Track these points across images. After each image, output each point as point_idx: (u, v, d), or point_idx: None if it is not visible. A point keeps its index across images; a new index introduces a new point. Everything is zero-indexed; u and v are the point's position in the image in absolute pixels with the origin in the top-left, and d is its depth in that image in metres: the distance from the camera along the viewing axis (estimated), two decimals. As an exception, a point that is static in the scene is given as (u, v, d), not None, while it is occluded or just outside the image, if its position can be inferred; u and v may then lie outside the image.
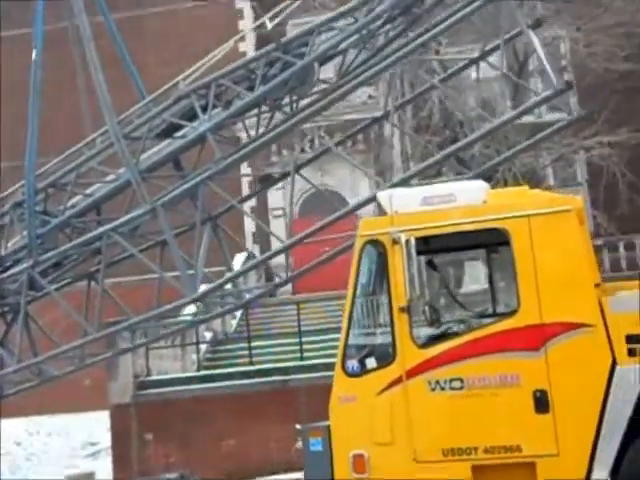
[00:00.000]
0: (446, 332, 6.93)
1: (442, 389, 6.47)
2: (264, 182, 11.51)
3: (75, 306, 10.34)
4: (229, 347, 19.68)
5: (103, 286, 9.91)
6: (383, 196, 7.18)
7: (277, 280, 10.04)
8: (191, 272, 9.49)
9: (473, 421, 6.37)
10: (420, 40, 9.10)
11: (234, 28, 24.06)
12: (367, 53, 9.65)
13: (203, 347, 18.90)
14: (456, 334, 6.82)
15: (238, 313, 21.56)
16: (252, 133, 9.93)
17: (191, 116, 9.88)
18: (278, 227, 24.28)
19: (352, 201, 11.48)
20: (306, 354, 17.30)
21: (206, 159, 10.05)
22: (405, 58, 9.55)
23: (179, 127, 10.03)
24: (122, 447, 15.33)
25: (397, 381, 6.58)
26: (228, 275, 9.96)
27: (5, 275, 10.49)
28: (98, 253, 10.31)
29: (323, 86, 9.74)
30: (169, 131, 10.14)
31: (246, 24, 25.05)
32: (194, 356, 18.35)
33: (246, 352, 17.84)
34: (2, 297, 10.92)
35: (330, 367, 14.71)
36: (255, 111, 9.91)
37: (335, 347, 15.92)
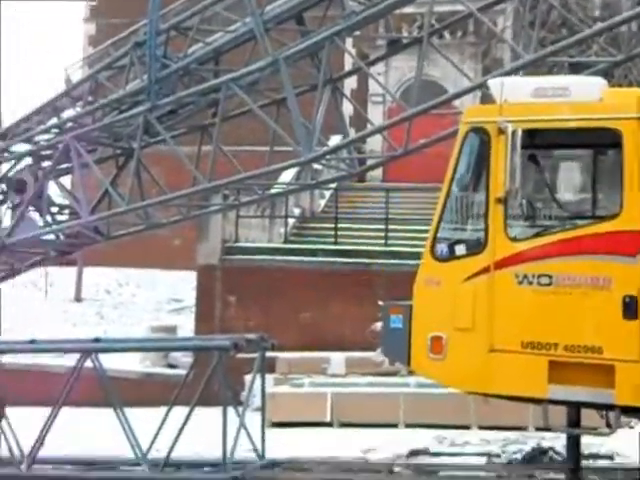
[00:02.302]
0: (541, 228, 6.86)
1: (529, 283, 6.46)
2: (391, 47, 11.06)
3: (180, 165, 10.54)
4: (315, 225, 20.01)
5: (218, 139, 9.99)
6: (494, 83, 6.99)
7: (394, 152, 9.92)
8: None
9: (557, 318, 6.37)
10: None
11: None
12: None
13: (290, 222, 19.25)
14: (551, 231, 6.74)
15: (327, 194, 21.81)
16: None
17: None
18: (376, 113, 24.09)
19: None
20: (390, 241, 17.45)
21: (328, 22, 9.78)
22: None
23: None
24: (205, 305, 15.97)
25: (484, 270, 6.59)
26: (345, 140, 9.98)
27: (121, 117, 10.57)
28: (214, 105, 10.35)
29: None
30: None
31: None
32: (281, 230, 18.74)
33: (331, 232, 18.11)
34: (116, 140, 11.18)
35: (413, 256, 14.86)
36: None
37: (420, 238, 16.01)
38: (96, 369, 9.87)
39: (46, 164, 11.15)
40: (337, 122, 10.76)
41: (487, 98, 7.17)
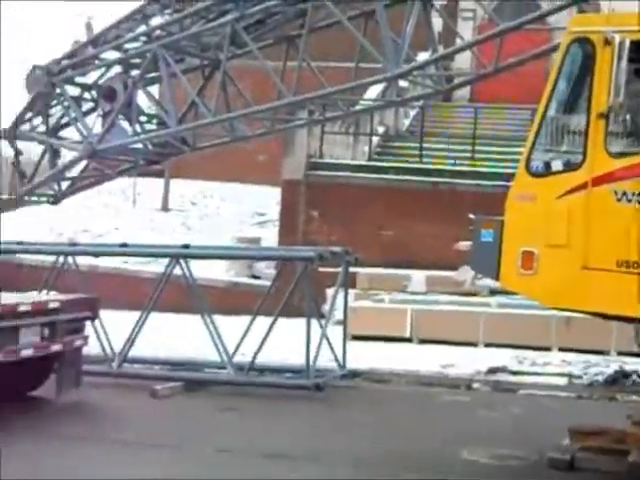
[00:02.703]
0: (643, 146, 6.59)
1: (629, 201, 6.25)
2: None
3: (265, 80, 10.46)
4: (399, 144, 19.75)
5: (303, 51, 9.89)
6: (602, -9, 6.66)
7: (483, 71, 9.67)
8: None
9: (655, 237, 6.17)
10: None
11: None
12: None
13: (374, 141, 19.06)
14: (654, 149, 6.47)
15: (411, 113, 21.43)
16: None
17: None
18: (466, 30, 23.31)
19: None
20: (477, 162, 17.13)
21: None
22: None
23: None
24: (289, 219, 16.09)
25: (581, 187, 6.40)
26: (433, 55, 9.76)
27: (209, 26, 10.55)
28: (302, 16, 10.20)
29: None
30: None
31: None
32: (365, 148, 18.59)
33: (416, 152, 17.85)
34: (203, 50, 11.18)
35: (499, 177, 14.51)
36: None
37: (507, 160, 15.55)
38: (185, 274, 10.11)
39: (135, 72, 11.25)
40: (425, 38, 10.49)
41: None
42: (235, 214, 20.78)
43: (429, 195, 15.82)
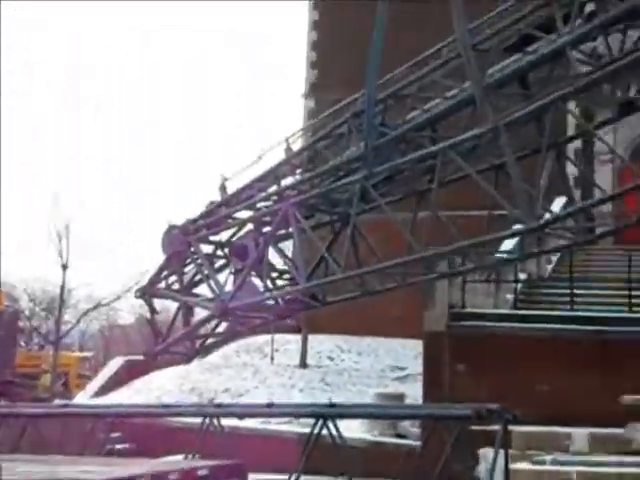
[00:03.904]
0: None
1: None
2: (623, 108, 10.21)
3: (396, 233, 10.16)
4: (544, 291, 18.82)
5: (434, 206, 9.63)
6: None
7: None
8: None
9: None
10: None
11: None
12: None
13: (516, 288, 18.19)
14: None
15: (554, 257, 20.54)
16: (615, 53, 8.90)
17: (547, 28, 9.08)
18: (605, 172, 22.44)
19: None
20: (635, 308, 15.85)
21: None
22: None
23: (530, 41, 9.28)
24: (433, 373, 15.20)
25: None
26: (572, 207, 9.26)
27: (339, 184, 10.59)
28: (430, 172, 10.04)
29: None
30: (519, 45, 9.46)
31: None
32: (507, 295, 17.75)
33: (562, 298, 16.87)
34: (333, 205, 11.15)
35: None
36: (621, 26, 8.85)
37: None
38: (331, 435, 9.52)
39: (266, 229, 11.23)
40: (560, 184, 10.09)
41: None
42: (373, 369, 20.28)
43: (584, 345, 14.63)
